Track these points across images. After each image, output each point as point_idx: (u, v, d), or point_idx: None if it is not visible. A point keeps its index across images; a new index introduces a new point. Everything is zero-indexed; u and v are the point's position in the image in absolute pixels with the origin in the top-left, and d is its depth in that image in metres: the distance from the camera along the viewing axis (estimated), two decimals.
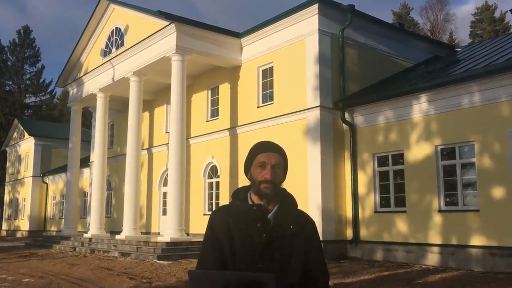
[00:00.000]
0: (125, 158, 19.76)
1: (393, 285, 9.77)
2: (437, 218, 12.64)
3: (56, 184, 35.92)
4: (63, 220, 27.73)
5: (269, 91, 17.01)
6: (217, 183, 18.80)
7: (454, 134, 12.56)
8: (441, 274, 11.02)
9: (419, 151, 13.26)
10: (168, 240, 15.59)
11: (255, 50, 17.54)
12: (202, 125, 19.65)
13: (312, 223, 2.44)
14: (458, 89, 12.47)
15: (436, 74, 14.23)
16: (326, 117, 15.01)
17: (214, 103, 19.54)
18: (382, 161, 14.46)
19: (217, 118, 19.06)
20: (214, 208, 18.03)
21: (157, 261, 14.18)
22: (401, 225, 13.51)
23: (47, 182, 37.12)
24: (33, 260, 16.54)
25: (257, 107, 17.19)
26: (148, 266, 13.17)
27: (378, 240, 14.05)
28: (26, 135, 38.68)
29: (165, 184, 20.85)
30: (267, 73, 17.12)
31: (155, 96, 22.69)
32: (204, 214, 18.80)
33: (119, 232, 19.18)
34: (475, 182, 12.09)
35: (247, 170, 2.40)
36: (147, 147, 22.69)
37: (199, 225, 18.24)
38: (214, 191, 19.02)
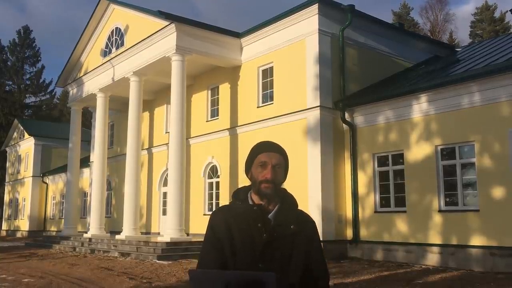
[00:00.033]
0: (125, 158, 19.76)
1: (393, 285, 9.77)
2: (437, 218, 12.64)
3: (56, 184, 35.92)
4: (63, 220, 27.72)
5: (269, 91, 17.01)
6: (217, 183, 18.80)
7: (454, 134, 12.56)
8: (441, 274, 11.02)
9: (419, 151, 13.25)
10: (168, 240, 15.60)
11: (255, 50, 17.54)
12: (202, 125, 19.65)
13: (312, 223, 2.44)
14: (458, 89, 12.47)
15: (436, 74, 14.23)
16: (326, 117, 15.01)
17: (214, 103, 19.54)
18: (382, 161, 14.46)
19: (217, 118, 19.06)
20: (214, 208, 18.03)
21: (157, 261, 14.18)
22: (401, 225, 13.51)
23: (47, 182, 37.12)
24: (33, 260, 16.53)
25: (257, 107, 17.19)
26: (148, 266, 13.17)
27: (378, 240, 14.05)
28: (26, 135, 38.67)
29: (165, 184, 20.85)
30: (267, 73, 17.12)
31: (155, 96, 22.69)
32: (204, 214, 18.80)
33: (119, 232, 19.18)
34: (475, 182, 12.09)
35: (247, 170, 2.40)
36: (147, 147, 22.69)
37: (199, 225, 18.24)
38: (214, 191, 19.02)
